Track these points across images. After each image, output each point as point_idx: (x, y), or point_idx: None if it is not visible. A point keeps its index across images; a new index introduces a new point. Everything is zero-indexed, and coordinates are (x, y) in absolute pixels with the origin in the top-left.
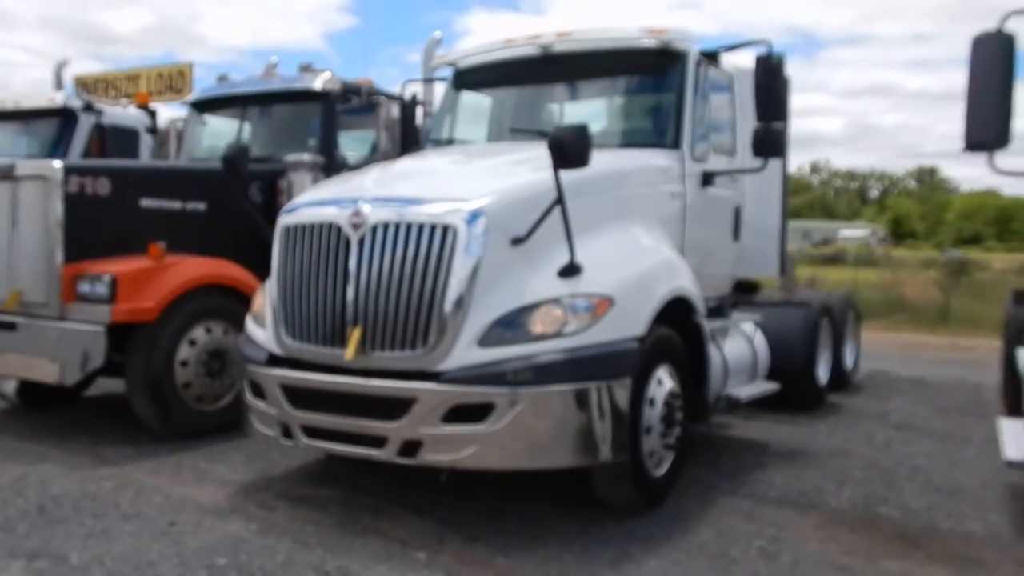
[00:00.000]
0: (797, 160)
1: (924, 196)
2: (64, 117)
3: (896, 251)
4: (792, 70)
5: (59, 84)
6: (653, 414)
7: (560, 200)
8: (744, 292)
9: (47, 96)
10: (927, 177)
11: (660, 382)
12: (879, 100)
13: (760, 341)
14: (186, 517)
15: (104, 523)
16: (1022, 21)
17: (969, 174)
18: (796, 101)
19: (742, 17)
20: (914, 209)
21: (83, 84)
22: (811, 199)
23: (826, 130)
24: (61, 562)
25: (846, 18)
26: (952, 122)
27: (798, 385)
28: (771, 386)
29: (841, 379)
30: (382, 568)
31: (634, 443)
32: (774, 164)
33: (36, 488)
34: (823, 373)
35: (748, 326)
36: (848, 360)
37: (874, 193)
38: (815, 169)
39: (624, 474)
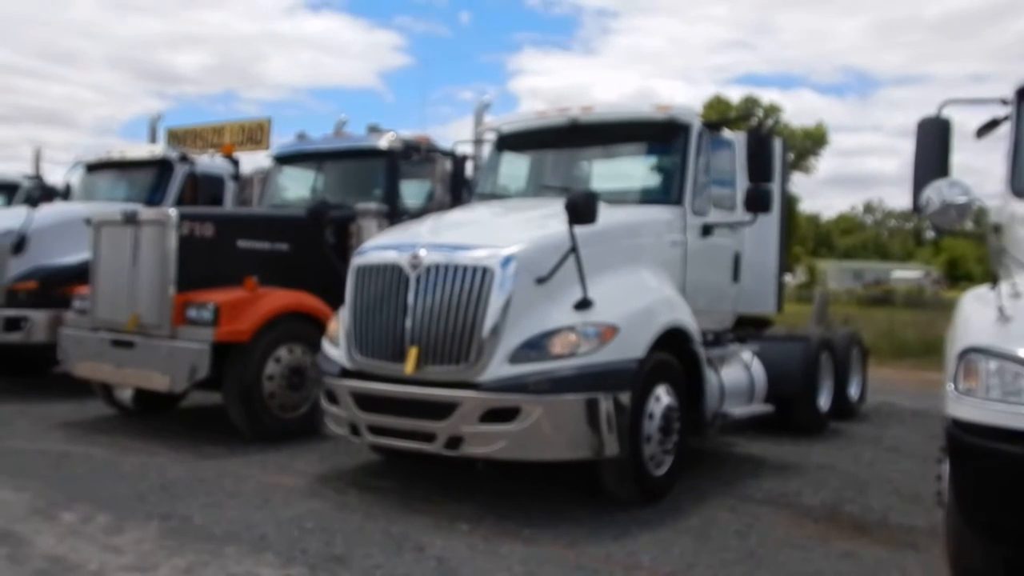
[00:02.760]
0: (850, 200)
1: (982, 238)
2: (162, 166)
3: (949, 293)
4: (845, 110)
5: (153, 136)
6: (652, 424)
7: (574, 249)
8: (755, 327)
9: (148, 148)
10: (983, 219)
11: (659, 398)
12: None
13: (757, 368)
14: (277, 496)
15: (214, 498)
16: (956, 109)
17: None
18: (850, 141)
19: (795, 55)
20: (970, 251)
21: (174, 135)
22: (864, 239)
23: (881, 169)
24: (187, 522)
25: (902, 58)
26: None
27: (799, 411)
28: (765, 408)
29: (845, 408)
30: (433, 534)
31: (636, 447)
32: (772, 216)
33: (155, 473)
34: (824, 401)
35: (746, 355)
36: (853, 391)
37: (930, 234)
38: (868, 209)
39: (628, 472)
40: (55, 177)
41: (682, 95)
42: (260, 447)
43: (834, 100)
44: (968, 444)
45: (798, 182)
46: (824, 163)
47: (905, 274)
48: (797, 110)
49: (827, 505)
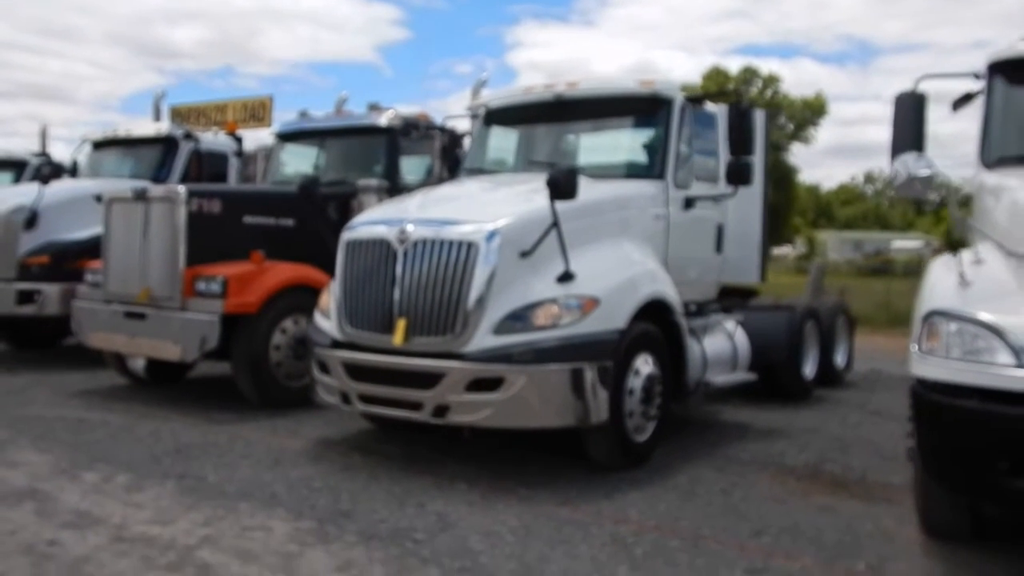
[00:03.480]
0: (851, 170)
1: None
2: (167, 144)
3: None
4: (846, 79)
5: (157, 114)
6: (634, 392)
7: (556, 224)
8: (742, 297)
9: (153, 126)
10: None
11: (640, 367)
12: (936, 108)
13: (741, 337)
14: (286, 458)
15: (226, 459)
16: (932, 83)
17: None
18: (851, 110)
19: (795, 25)
20: None
21: (178, 113)
22: (865, 210)
23: (881, 140)
24: (202, 481)
25: (902, 26)
26: None
27: (785, 378)
28: (748, 376)
29: (832, 376)
30: (435, 492)
31: (618, 414)
32: (755, 187)
33: (169, 438)
34: (809, 369)
35: (730, 324)
36: (839, 359)
37: (932, 202)
38: (869, 179)
39: (610, 438)
40: (56, 153)
41: (682, 66)
42: (268, 414)
43: (835, 69)
44: (930, 400)
45: (798, 152)
46: (824, 133)
47: (905, 244)
48: (797, 80)
49: (809, 464)
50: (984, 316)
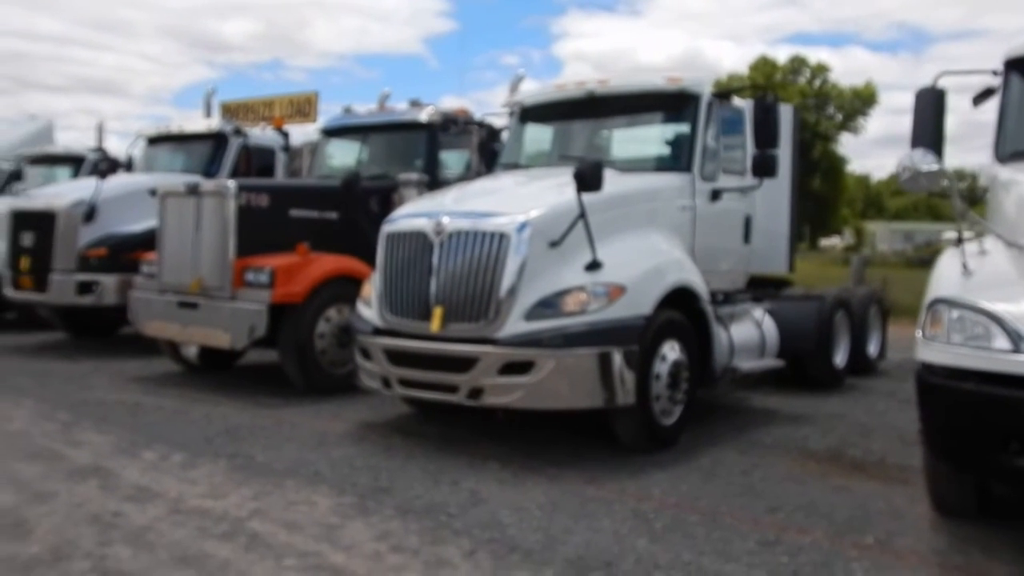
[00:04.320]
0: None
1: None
2: (217, 139)
3: None
4: (898, 67)
5: (208, 109)
6: (661, 377)
7: (583, 215)
8: (774, 287)
9: (204, 122)
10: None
11: (667, 352)
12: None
13: (769, 325)
14: (329, 440)
15: (274, 441)
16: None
17: None
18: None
19: (846, 14)
20: None
21: (227, 109)
22: (916, 200)
23: None
24: (251, 460)
25: (957, 12)
26: None
27: (814, 367)
28: (775, 362)
29: (864, 364)
30: (467, 471)
31: (645, 398)
32: (783, 180)
33: (219, 421)
34: (840, 358)
35: (758, 312)
36: (871, 348)
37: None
38: None
39: (638, 421)
40: (111, 147)
41: (729, 56)
42: (312, 399)
43: (886, 57)
44: (934, 384)
45: (847, 143)
46: (875, 123)
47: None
48: (847, 69)
49: (831, 448)
50: (984, 304)
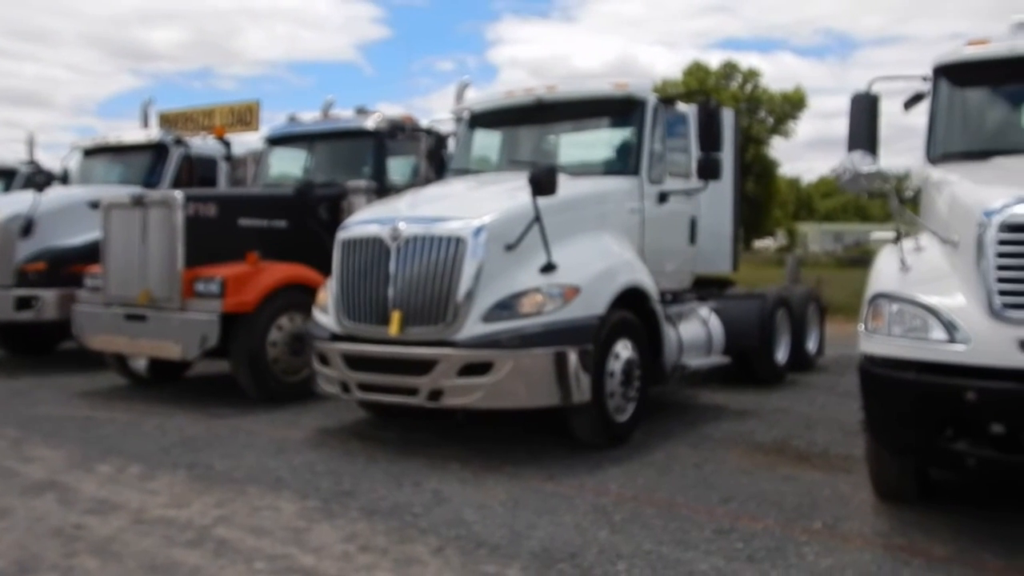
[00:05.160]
0: (831, 163)
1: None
2: (158, 150)
3: None
4: (826, 72)
5: (145, 120)
6: (614, 375)
7: (538, 218)
8: (718, 287)
9: (144, 133)
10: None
11: (620, 351)
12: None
13: (715, 323)
14: (288, 447)
15: (231, 450)
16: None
17: None
18: (830, 103)
19: (776, 20)
20: None
21: (166, 119)
22: (845, 202)
23: None
24: (210, 469)
25: (880, 19)
26: None
27: (758, 363)
28: (722, 359)
29: (804, 361)
30: (429, 472)
31: (599, 396)
32: (726, 182)
33: (174, 432)
34: (782, 355)
35: (704, 311)
36: (810, 345)
37: (910, 194)
38: None
39: (593, 418)
40: (38, 159)
41: (663, 61)
42: (267, 407)
43: (814, 63)
44: (875, 374)
45: (778, 146)
46: (804, 126)
47: (883, 235)
48: (777, 74)
49: (777, 441)
50: (921, 298)
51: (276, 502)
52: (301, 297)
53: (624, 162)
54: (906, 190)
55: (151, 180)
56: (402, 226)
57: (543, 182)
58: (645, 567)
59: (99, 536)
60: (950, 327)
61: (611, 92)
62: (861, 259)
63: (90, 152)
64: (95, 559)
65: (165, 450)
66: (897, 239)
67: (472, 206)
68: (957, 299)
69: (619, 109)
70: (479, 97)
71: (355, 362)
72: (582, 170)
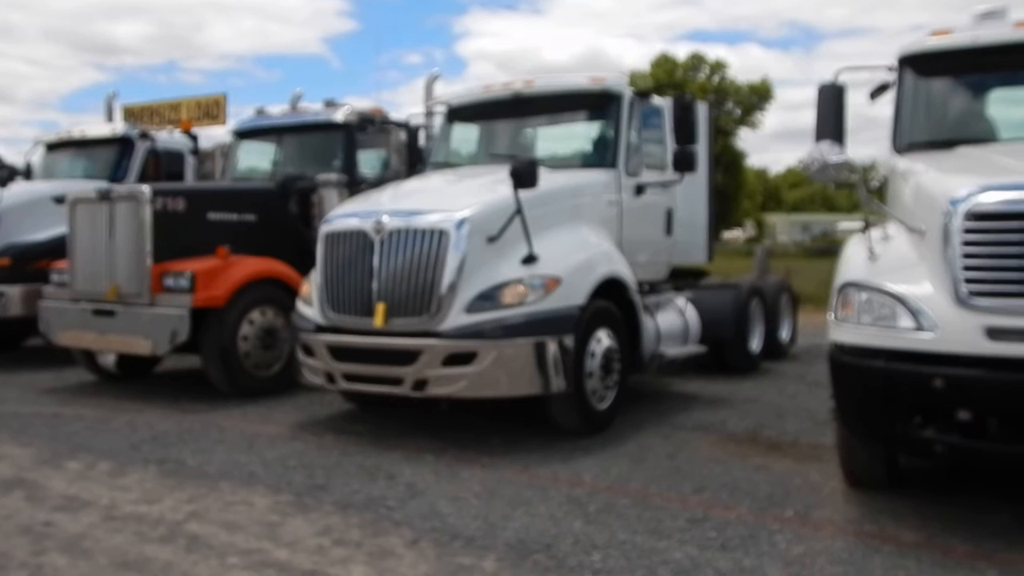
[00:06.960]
0: (798, 153)
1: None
2: (123, 144)
3: None
4: (791, 64)
5: (109, 113)
6: (594, 363)
7: (520, 211)
8: (693, 277)
9: (108, 126)
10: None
11: (600, 340)
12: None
13: (691, 313)
14: (260, 441)
15: (202, 445)
16: (851, 74)
17: None
18: (796, 95)
19: (742, 12)
20: None
21: (131, 112)
22: (812, 192)
23: None
24: (181, 465)
25: (844, 11)
26: None
27: (732, 353)
28: (699, 348)
29: (777, 350)
30: (403, 465)
31: (579, 384)
32: (701, 174)
33: (144, 428)
34: (755, 344)
35: (680, 301)
36: (783, 334)
37: (875, 184)
38: None
39: (573, 406)
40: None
41: (631, 53)
42: (239, 402)
43: (780, 55)
44: (844, 362)
45: (745, 137)
46: (771, 118)
47: (850, 225)
48: (744, 66)
49: (749, 430)
50: (889, 286)
51: (249, 497)
52: (272, 291)
53: (602, 155)
54: (873, 180)
55: (116, 175)
56: (385, 219)
57: (525, 175)
58: (619, 557)
59: (69, 533)
60: (918, 315)
61: (588, 86)
62: (829, 249)
63: (53, 147)
64: (65, 556)
65: (135, 446)
66: (865, 228)
67: (454, 199)
68: (924, 287)
69: (596, 103)
70: (457, 92)
71: (340, 353)
72: (560, 163)
